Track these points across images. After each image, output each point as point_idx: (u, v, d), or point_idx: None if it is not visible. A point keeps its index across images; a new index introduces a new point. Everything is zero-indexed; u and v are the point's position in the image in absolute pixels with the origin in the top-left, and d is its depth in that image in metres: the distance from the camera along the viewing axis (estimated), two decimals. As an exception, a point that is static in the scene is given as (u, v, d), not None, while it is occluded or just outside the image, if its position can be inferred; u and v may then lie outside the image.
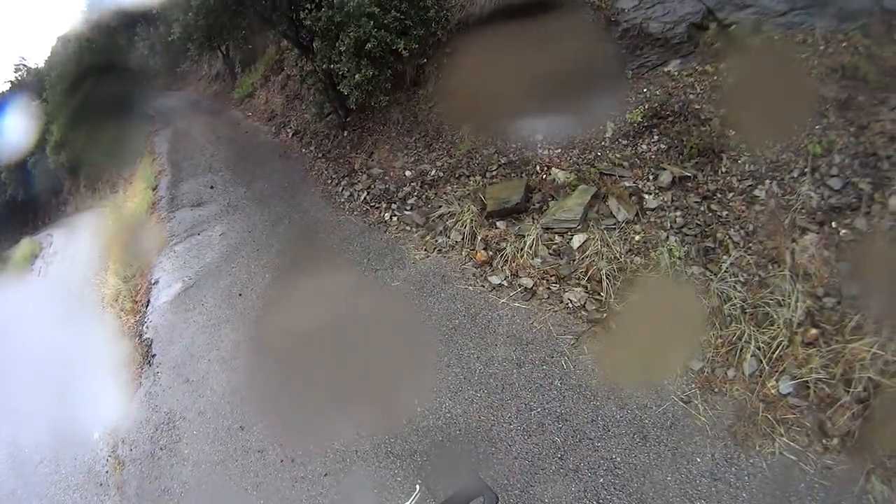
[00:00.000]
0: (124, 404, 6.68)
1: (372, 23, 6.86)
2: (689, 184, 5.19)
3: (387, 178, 7.86)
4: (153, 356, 7.04)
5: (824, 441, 3.82)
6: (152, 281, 8.81)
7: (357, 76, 7.02)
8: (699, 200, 5.06)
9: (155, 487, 5.25)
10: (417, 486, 1.62)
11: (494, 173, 6.52)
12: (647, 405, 4.21)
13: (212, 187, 10.73)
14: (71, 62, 20.45)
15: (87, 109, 19.41)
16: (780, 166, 4.97)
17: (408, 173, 7.59)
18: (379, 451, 4.47)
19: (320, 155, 9.67)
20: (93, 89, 19.18)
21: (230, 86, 18.68)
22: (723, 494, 3.66)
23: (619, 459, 3.95)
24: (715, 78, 5.48)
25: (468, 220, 6.18)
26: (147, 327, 7.75)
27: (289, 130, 11.48)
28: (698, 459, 3.86)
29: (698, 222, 4.98)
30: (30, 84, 27.62)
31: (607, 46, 6.15)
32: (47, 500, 6.18)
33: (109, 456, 6.12)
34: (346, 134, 9.41)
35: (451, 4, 7.51)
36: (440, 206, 6.72)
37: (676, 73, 5.76)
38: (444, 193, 6.85)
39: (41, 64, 27.03)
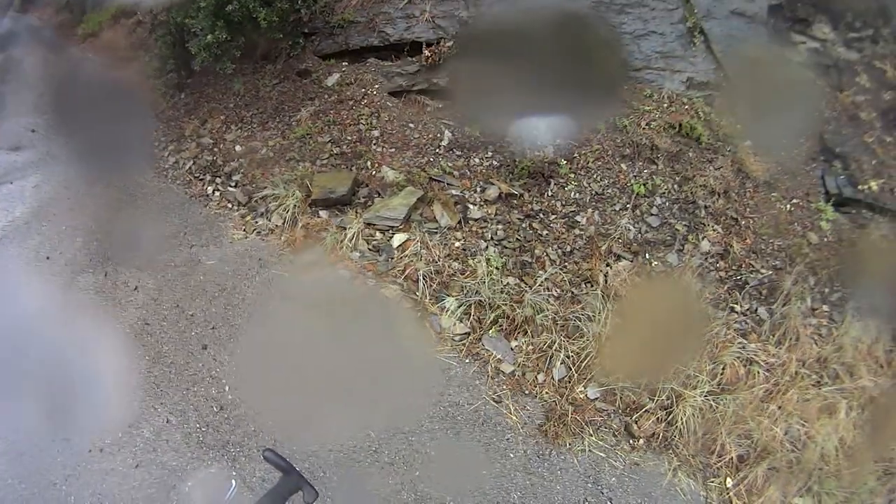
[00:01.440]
0: None
1: None
2: (515, 201, 5.64)
3: (216, 149, 7.70)
4: None
5: (631, 441, 4.41)
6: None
7: (209, 37, 6.79)
8: (522, 218, 5.53)
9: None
10: (233, 482, 1.61)
11: (325, 162, 6.61)
12: (459, 402, 4.47)
13: (33, 131, 9.96)
14: None
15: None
16: (604, 199, 5.64)
17: (238, 148, 7.49)
18: (190, 440, 4.37)
19: (152, 114, 9.23)
20: None
21: (78, 18, 17.40)
22: (537, 487, 4.02)
23: (433, 454, 4.15)
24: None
25: (291, 205, 6.22)
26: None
27: (125, 75, 10.89)
28: (511, 455, 4.19)
29: (518, 237, 5.41)
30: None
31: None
32: None
33: None
34: (182, 96, 9.07)
35: None
36: (265, 188, 6.71)
37: None
38: (272, 175, 6.84)
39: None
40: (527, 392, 4.63)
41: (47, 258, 6.74)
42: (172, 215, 6.90)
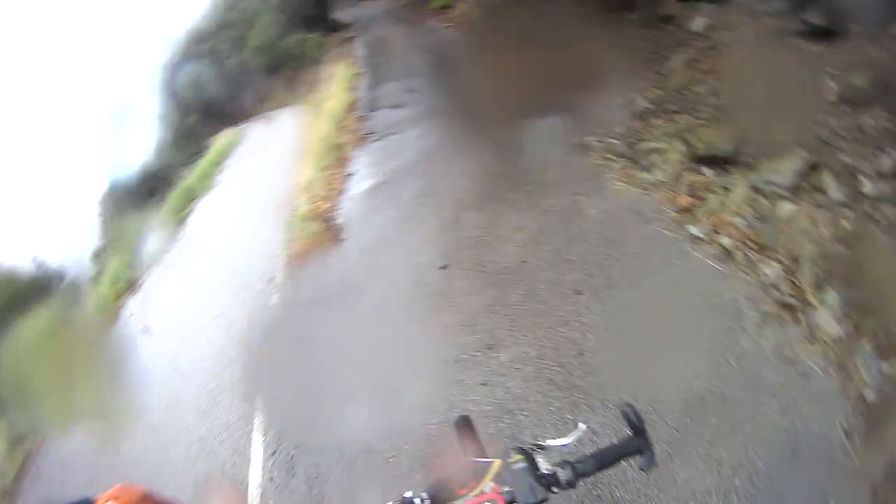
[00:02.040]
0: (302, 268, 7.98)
1: None
2: None
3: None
4: (342, 239, 7.98)
5: None
6: (348, 173, 9.81)
7: None
8: None
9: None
10: (582, 425, 1.60)
11: (706, 115, 6.42)
12: (807, 419, 3.86)
13: (411, 91, 11.47)
14: None
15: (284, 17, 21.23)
16: None
17: (616, 100, 7.63)
18: (541, 374, 4.71)
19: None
20: None
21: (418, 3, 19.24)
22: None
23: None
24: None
25: (674, 161, 6.19)
26: (339, 214, 8.74)
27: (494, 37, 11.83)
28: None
29: None
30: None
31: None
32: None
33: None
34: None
35: None
36: (646, 140, 6.74)
37: None
38: (652, 127, 6.85)
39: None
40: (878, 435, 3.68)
41: (435, 195, 7.91)
42: (554, 163, 7.36)
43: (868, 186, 4.88)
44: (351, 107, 12.56)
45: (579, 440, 1.48)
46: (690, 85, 6.81)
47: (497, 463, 1.33)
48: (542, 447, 1.41)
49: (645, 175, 6.39)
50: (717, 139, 6.00)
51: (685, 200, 5.78)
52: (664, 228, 5.65)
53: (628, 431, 1.49)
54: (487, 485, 1.28)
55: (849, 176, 5.03)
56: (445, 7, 16.42)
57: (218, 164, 19.68)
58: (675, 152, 6.21)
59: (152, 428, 7.27)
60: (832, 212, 4.89)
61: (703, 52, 6.91)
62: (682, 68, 7.02)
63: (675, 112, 6.71)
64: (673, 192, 5.98)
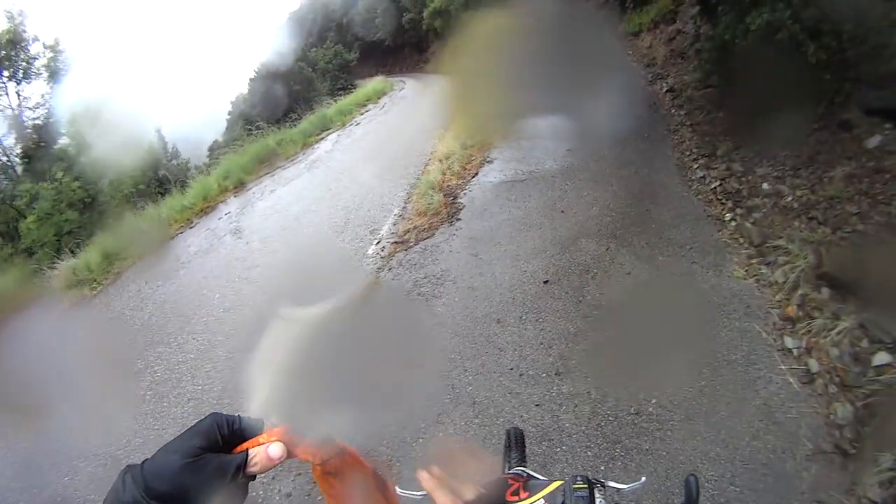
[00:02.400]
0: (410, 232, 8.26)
1: (789, 11, 6.83)
2: None
3: (744, 179, 8.04)
4: (458, 220, 8.31)
5: None
6: (487, 158, 10.13)
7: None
8: None
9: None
10: (643, 479, 1.65)
11: (847, 235, 6.33)
12: None
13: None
14: None
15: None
16: None
17: (765, 186, 7.69)
18: (594, 419, 4.96)
19: (688, 123, 10.08)
20: None
21: (617, 16, 19.24)
22: None
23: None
24: None
25: (799, 268, 6.12)
26: (464, 194, 9.09)
27: (664, 84, 11.92)
28: None
29: None
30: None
31: None
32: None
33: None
34: (721, 114, 9.61)
35: (871, 26, 7.12)
36: (780, 237, 6.70)
37: None
38: (790, 226, 6.81)
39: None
40: None
41: (562, 212, 8.09)
42: (684, 225, 7.49)
43: None
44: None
45: (635, 491, 1.57)
46: (843, 199, 6.67)
47: (557, 483, 1.41)
48: (603, 485, 1.44)
49: (766, 271, 6.39)
50: (848, 263, 5.93)
51: (792, 311, 5.75)
52: (762, 328, 5.68)
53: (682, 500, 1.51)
54: (539, 500, 1.37)
55: None
56: (634, 34, 16.51)
57: (362, 105, 20.43)
58: (803, 260, 6.13)
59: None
60: None
61: (868, 171, 6.74)
62: (841, 180, 6.86)
63: (818, 221, 6.63)
64: (786, 298, 5.95)
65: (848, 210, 6.55)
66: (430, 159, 11.09)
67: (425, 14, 26.73)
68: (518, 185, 9.17)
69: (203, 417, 0.94)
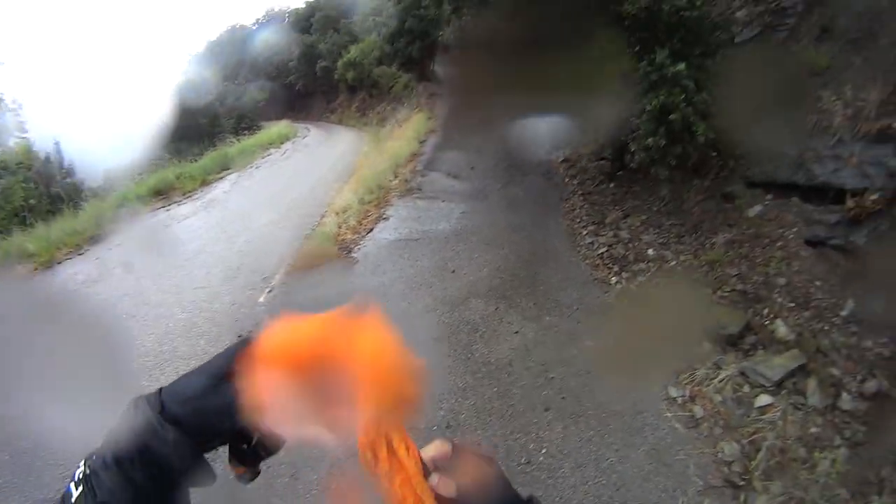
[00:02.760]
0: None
1: (683, 95, 7.32)
2: (889, 406, 5.09)
3: (630, 245, 8.41)
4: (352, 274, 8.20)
5: None
6: (384, 215, 10.16)
7: (650, 140, 7.59)
8: (889, 428, 4.96)
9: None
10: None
11: (726, 295, 6.71)
12: None
13: (472, 168, 11.96)
14: (389, 4, 23.99)
15: (388, 50, 22.49)
16: None
17: (650, 252, 8.08)
18: None
19: (580, 192, 10.55)
20: (396, 33, 22.22)
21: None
22: None
23: None
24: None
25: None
26: (359, 249, 9.03)
27: (560, 154, 12.40)
28: None
29: (874, 451, 4.86)
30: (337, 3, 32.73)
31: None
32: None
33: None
34: (611, 185, 10.16)
35: None
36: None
37: None
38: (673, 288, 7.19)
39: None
40: None
41: (453, 272, 8.13)
42: (572, 287, 7.68)
43: (847, 402, 5.19)
44: (412, 157, 13.04)
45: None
46: (724, 262, 7.10)
47: None
48: None
49: (650, 329, 6.65)
50: (727, 320, 6.23)
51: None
52: (647, 382, 5.84)
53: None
54: None
55: (832, 387, 5.32)
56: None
57: (265, 147, 20.42)
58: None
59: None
60: (805, 414, 5.18)
61: (748, 237, 7.23)
62: (723, 245, 7.31)
63: (700, 283, 7.01)
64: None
65: (728, 272, 6.95)
66: (326, 211, 11.01)
67: (339, 64, 27.22)
68: (412, 243, 9.19)
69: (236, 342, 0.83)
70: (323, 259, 8.73)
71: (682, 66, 7.38)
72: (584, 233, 9.11)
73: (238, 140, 22.41)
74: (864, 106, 6.72)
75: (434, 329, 6.83)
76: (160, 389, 0.80)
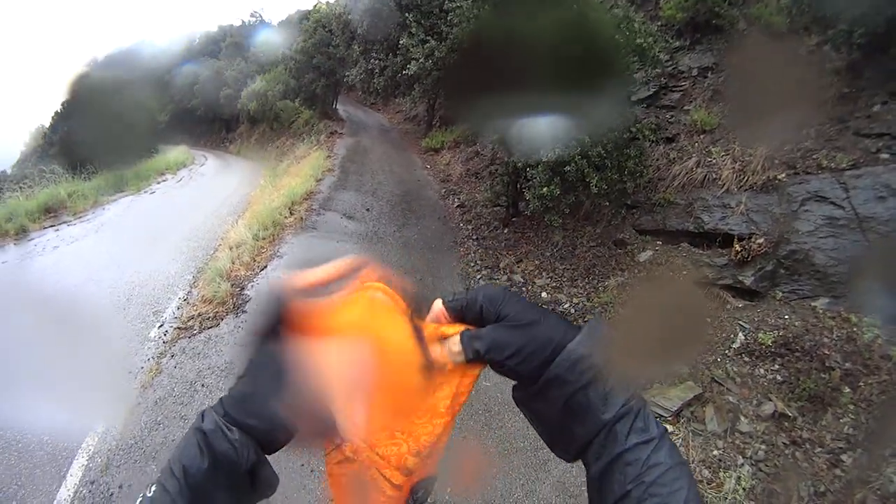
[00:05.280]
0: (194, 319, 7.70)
1: (578, 148, 7.64)
2: (787, 423, 5.45)
3: (524, 289, 8.62)
4: (244, 311, 7.95)
5: None
6: (278, 252, 9.95)
7: (545, 189, 7.82)
8: (788, 443, 5.32)
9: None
10: None
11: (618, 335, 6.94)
12: None
13: (368, 210, 11.95)
14: (299, 38, 23.90)
15: (293, 85, 22.41)
16: (881, 443, 5.16)
17: (544, 295, 8.32)
18: None
19: (475, 237, 10.75)
20: (303, 68, 22.23)
21: (422, 132, 20.81)
22: None
23: None
24: (855, 330, 5.81)
25: None
26: (252, 286, 8.77)
27: (456, 200, 12.77)
28: None
29: (776, 463, 5.21)
30: (248, 30, 32.42)
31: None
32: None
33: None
34: (505, 231, 10.44)
35: (649, 164, 8.41)
36: None
37: (821, 311, 6.16)
38: None
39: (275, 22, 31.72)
40: None
41: None
42: None
43: (745, 425, 5.51)
44: (308, 195, 12.92)
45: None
46: (616, 304, 7.43)
47: None
48: None
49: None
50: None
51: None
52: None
53: None
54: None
55: (730, 413, 5.64)
56: (434, 150, 17.71)
57: (160, 173, 19.73)
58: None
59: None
60: (706, 439, 5.48)
61: (639, 280, 7.66)
62: (615, 288, 7.66)
63: None
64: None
65: (620, 312, 7.27)
66: (220, 244, 10.62)
67: (243, 93, 26.66)
68: None
69: None
70: (216, 296, 8.41)
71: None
72: (479, 276, 9.26)
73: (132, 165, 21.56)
74: (752, 160, 7.38)
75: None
76: (222, 397, 0.83)
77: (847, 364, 5.60)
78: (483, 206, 11.60)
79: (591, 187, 7.69)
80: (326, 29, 22.29)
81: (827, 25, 7.20)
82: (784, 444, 5.35)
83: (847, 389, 5.47)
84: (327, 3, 25.62)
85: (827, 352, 5.75)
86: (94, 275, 9.59)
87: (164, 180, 18.99)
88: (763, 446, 5.36)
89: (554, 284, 8.52)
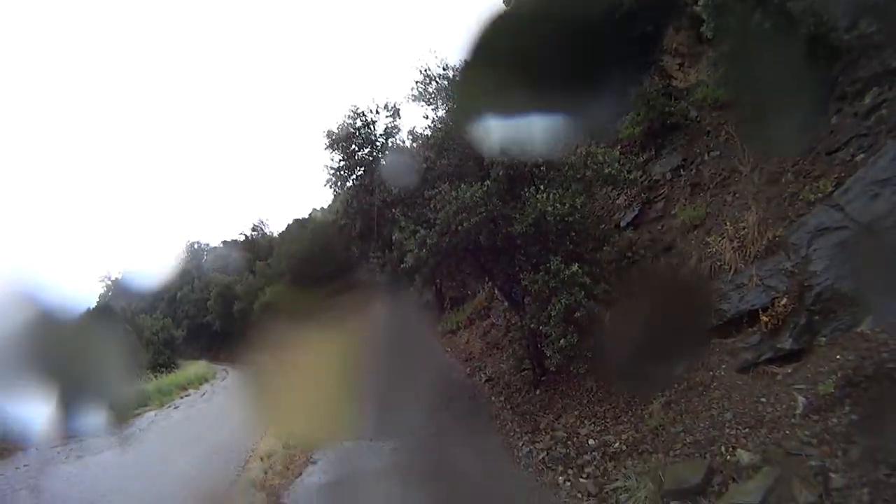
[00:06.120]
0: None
1: (583, 292, 7.71)
2: (880, 454, 4.98)
3: (569, 442, 8.24)
4: None
5: None
6: (311, 458, 9.65)
7: (562, 341, 7.77)
8: (890, 472, 4.83)
9: None
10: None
11: (678, 452, 6.60)
12: None
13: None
14: (299, 244, 24.78)
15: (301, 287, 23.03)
16: None
17: (591, 442, 7.93)
18: None
19: (508, 406, 10.45)
20: (310, 271, 22.93)
21: (436, 317, 21.01)
22: None
23: None
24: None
25: (643, 497, 6.26)
26: (288, 494, 8.42)
27: (483, 375, 12.62)
28: None
29: (885, 497, 4.72)
30: (260, 244, 33.72)
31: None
32: None
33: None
34: (537, 392, 10.15)
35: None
36: (617, 479, 6.87)
37: (869, 332, 5.88)
38: (624, 467, 7.00)
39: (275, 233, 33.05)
40: None
41: None
42: (520, 500, 7.55)
43: (838, 480, 5.02)
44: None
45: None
46: (666, 425, 7.05)
47: None
48: None
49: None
50: (688, 473, 6.09)
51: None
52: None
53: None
54: None
55: (818, 476, 5.17)
56: (451, 332, 17.88)
57: (182, 388, 19.63)
58: (643, 489, 6.25)
59: None
60: None
61: (682, 392, 7.35)
62: (660, 410, 7.31)
63: (649, 452, 6.88)
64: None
65: (673, 431, 6.86)
66: (251, 457, 10.39)
67: (255, 306, 27.05)
68: (345, 483, 8.78)
69: None
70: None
71: (574, 267, 7.86)
72: (521, 443, 8.87)
73: (155, 377, 21.51)
74: (747, 231, 7.35)
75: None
76: None
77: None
78: (510, 375, 11.40)
79: (605, 324, 7.74)
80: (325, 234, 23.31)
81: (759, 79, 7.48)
82: (886, 475, 4.85)
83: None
84: (321, 209, 26.94)
85: (892, 365, 5.47)
86: (120, 485, 9.33)
87: (187, 395, 18.90)
88: (866, 489, 4.87)
89: (598, 429, 8.13)
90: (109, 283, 45.80)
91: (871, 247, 6.23)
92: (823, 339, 6.29)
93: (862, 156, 6.75)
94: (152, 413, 16.04)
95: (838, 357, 6.00)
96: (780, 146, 7.46)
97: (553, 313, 7.86)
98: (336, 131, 14.55)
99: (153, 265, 50.40)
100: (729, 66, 8.43)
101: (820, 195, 6.94)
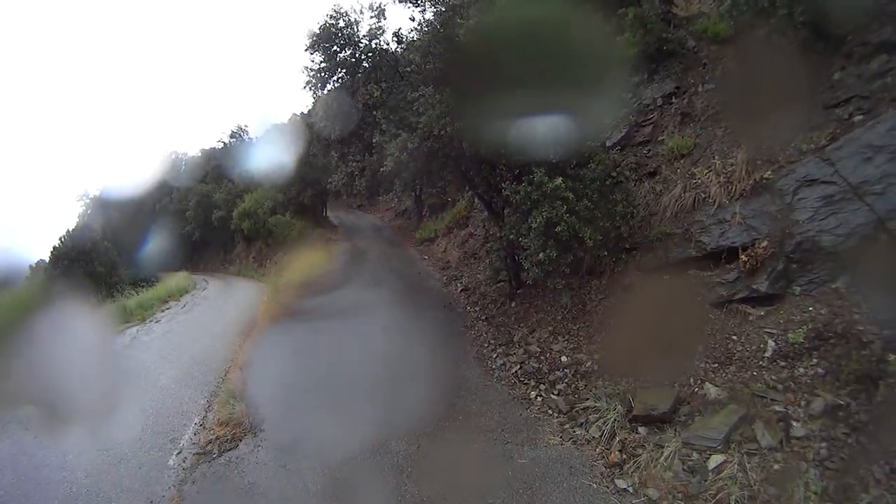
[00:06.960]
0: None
1: (565, 207, 7.60)
2: (841, 413, 5.15)
3: (542, 357, 8.41)
4: (262, 430, 7.71)
5: None
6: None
7: (541, 255, 7.71)
8: (848, 432, 5.01)
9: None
10: None
11: (649, 377, 6.74)
12: None
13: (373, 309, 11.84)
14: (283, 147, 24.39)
15: (282, 199, 22.80)
16: None
17: (564, 358, 8.09)
18: None
19: (483, 317, 10.60)
20: (289, 181, 22.63)
21: (414, 225, 21.02)
22: None
23: None
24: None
25: (611, 419, 6.44)
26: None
27: (458, 284, 12.74)
28: None
29: (842, 455, 4.90)
30: (243, 144, 33.14)
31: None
32: None
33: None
34: (513, 305, 10.28)
35: (638, 203, 8.36)
36: (587, 399, 7.05)
37: (844, 290, 5.96)
38: (595, 387, 7.20)
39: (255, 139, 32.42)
40: None
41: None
42: (492, 411, 7.50)
43: (800, 429, 5.21)
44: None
45: None
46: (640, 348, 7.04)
47: None
48: None
49: (580, 431, 6.64)
50: (656, 400, 6.24)
51: (616, 456, 5.95)
52: (591, 481, 5.73)
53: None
54: None
55: (780, 422, 5.33)
56: (429, 240, 17.93)
57: (164, 301, 19.74)
58: (613, 412, 6.46)
59: None
60: (762, 457, 5.15)
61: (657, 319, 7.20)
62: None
63: (620, 374, 7.02)
64: (606, 448, 6.18)
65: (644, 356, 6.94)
66: (230, 366, 10.49)
67: (234, 214, 26.82)
68: (316, 391, 8.83)
69: None
70: (231, 417, 8.19)
71: (558, 180, 7.72)
72: (494, 356, 9.06)
73: (136, 293, 21.55)
74: (735, 168, 7.30)
75: (357, 478, 6.51)
76: None
77: (885, 331, 5.36)
78: (486, 286, 11.48)
79: (587, 241, 7.63)
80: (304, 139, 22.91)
81: (769, 15, 7.35)
82: (845, 434, 5.04)
83: (893, 356, 5.20)
84: (301, 114, 26.26)
85: (861, 327, 5.53)
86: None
87: (167, 308, 18.96)
88: (824, 444, 5.07)
89: (572, 346, 8.29)
90: (87, 201, 45.20)
91: (857, 206, 6.20)
92: (798, 288, 6.34)
93: (860, 117, 6.61)
94: (134, 329, 16.02)
95: (811, 309, 6.08)
96: (776, 85, 7.22)
97: (533, 226, 7.80)
98: (318, 31, 13.96)
99: (132, 179, 49.50)
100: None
101: (812, 146, 6.83)
